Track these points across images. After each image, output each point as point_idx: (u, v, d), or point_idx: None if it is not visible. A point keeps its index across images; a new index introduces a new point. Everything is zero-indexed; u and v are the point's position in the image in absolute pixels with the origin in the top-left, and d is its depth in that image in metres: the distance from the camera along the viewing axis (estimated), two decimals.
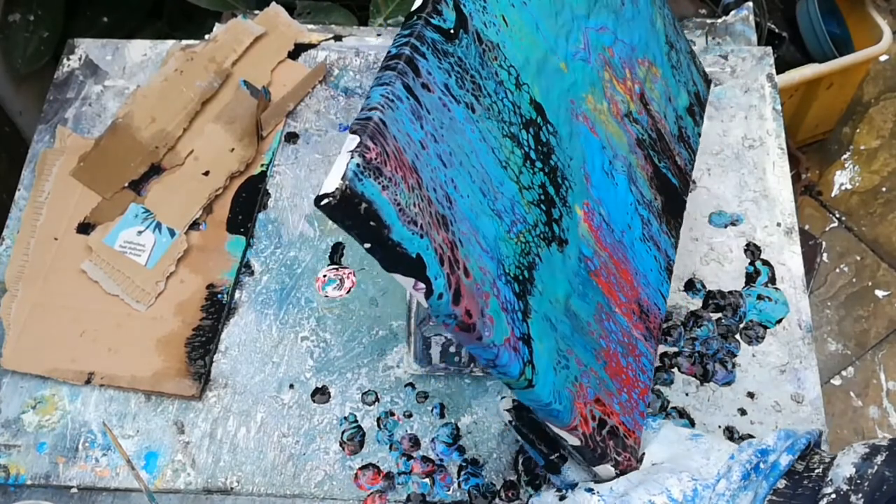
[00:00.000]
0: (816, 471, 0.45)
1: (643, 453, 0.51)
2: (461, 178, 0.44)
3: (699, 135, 0.65)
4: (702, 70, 0.68)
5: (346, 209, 0.37)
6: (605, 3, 0.57)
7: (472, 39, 0.47)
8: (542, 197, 0.49)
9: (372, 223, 0.38)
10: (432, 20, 0.45)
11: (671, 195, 0.60)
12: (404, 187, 0.40)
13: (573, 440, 0.48)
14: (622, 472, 0.49)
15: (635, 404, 0.52)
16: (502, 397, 0.54)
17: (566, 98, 0.53)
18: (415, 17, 0.45)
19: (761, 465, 0.45)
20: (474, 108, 0.46)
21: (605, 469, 0.49)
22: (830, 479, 0.43)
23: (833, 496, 0.42)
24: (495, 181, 0.46)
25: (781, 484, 0.45)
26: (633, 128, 0.58)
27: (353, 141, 0.38)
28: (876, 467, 0.42)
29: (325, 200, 0.37)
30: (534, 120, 0.50)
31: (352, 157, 0.38)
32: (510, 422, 0.53)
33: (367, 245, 0.39)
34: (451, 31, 0.46)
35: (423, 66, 0.43)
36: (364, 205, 0.37)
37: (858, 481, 0.42)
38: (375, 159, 0.39)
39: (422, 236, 0.40)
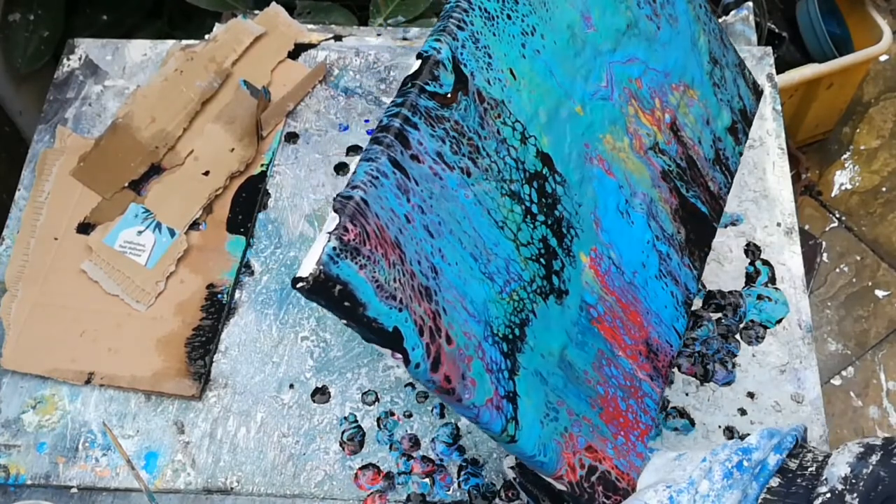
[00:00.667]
0: (810, 469, 0.45)
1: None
2: (450, 246, 0.44)
3: (741, 154, 0.62)
4: (751, 81, 0.65)
5: (320, 292, 0.38)
6: (636, 32, 0.56)
7: (473, 100, 0.46)
8: (542, 251, 0.49)
9: (346, 303, 0.39)
10: (427, 87, 0.44)
11: (698, 224, 0.58)
12: (384, 264, 0.40)
13: (559, 486, 0.48)
14: None
15: (632, 446, 0.51)
16: (506, 455, 0.54)
17: (580, 143, 0.52)
18: (409, 84, 0.44)
19: (744, 463, 0.45)
20: (470, 171, 0.46)
21: None
22: (825, 479, 0.43)
23: (828, 495, 0.42)
24: (489, 243, 0.46)
25: (775, 482, 0.45)
26: (659, 160, 0.56)
27: (332, 221, 0.39)
28: (871, 467, 0.42)
29: (300, 284, 0.38)
30: (539, 172, 0.49)
31: (328, 241, 0.38)
32: (514, 479, 0.54)
33: (344, 321, 0.40)
34: (448, 95, 0.45)
35: (414, 136, 0.43)
36: (338, 286, 0.38)
37: (854, 481, 0.42)
38: (354, 240, 0.39)
39: (400, 310, 0.40)
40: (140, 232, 0.70)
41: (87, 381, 0.65)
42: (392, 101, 0.44)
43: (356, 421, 0.63)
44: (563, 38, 0.52)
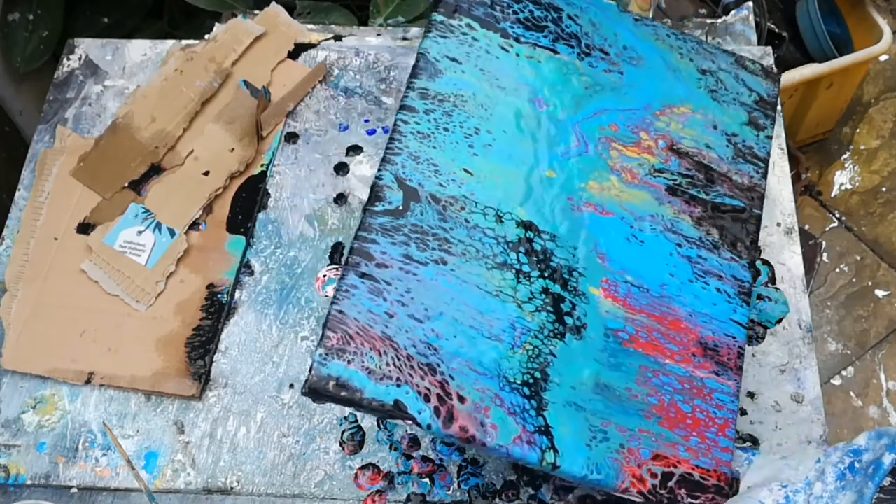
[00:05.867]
0: None
1: (738, 483, 0.52)
2: (444, 325, 0.51)
3: (769, 137, 0.64)
4: (758, 70, 0.66)
5: (319, 390, 0.48)
6: (598, 89, 0.62)
7: (427, 203, 0.54)
8: (547, 300, 0.54)
9: (344, 393, 0.48)
10: (376, 208, 0.53)
11: (735, 218, 0.60)
12: (373, 355, 0.49)
13: (634, 499, 0.52)
14: None
15: (713, 444, 0.53)
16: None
17: (561, 199, 0.57)
18: (364, 211, 0.53)
19: (856, 465, 0.45)
20: (445, 261, 0.53)
21: None
22: None
23: None
24: (486, 313, 0.52)
25: (887, 482, 0.45)
26: (659, 180, 0.60)
27: (321, 334, 0.49)
28: None
29: (303, 391, 0.48)
30: (523, 238, 0.55)
31: (316, 350, 0.49)
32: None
33: (350, 409, 0.50)
34: (400, 208, 0.54)
35: (376, 249, 0.52)
36: (332, 381, 0.48)
37: None
38: (336, 344, 0.49)
39: (399, 385, 0.49)
40: (140, 232, 0.70)
41: (87, 381, 0.65)
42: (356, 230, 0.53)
43: (356, 421, 0.63)
44: (513, 126, 0.58)
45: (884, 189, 1.49)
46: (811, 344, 0.66)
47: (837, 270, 1.42)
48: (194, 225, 0.71)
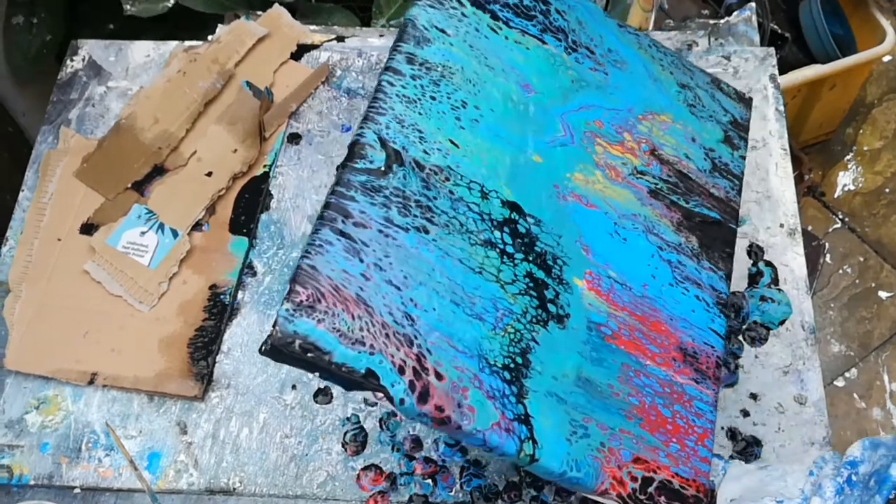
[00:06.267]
0: None
1: (715, 495, 0.51)
2: (423, 296, 0.48)
3: (743, 157, 0.64)
4: (732, 93, 0.67)
5: (282, 348, 0.43)
6: (584, 84, 0.61)
7: (410, 169, 0.51)
8: (530, 284, 0.52)
9: (310, 354, 0.43)
10: (357, 165, 0.50)
11: (712, 229, 0.60)
12: (346, 316, 0.45)
13: (611, 501, 0.49)
14: None
15: (692, 452, 0.52)
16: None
17: (547, 185, 0.56)
18: (340, 166, 0.50)
19: (853, 478, 0.44)
20: (427, 229, 0.50)
21: None
22: None
23: None
24: (468, 289, 0.50)
25: (893, 495, 0.44)
26: (642, 182, 0.59)
27: (287, 289, 0.45)
28: None
29: (263, 348, 0.43)
30: (508, 218, 0.53)
31: (281, 305, 0.44)
32: None
33: (317, 373, 0.45)
34: (382, 169, 0.51)
35: (354, 207, 0.49)
36: (298, 340, 0.43)
37: None
38: (306, 301, 0.45)
39: (371, 353, 0.45)
40: (143, 233, 0.70)
41: (91, 382, 0.65)
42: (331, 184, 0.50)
43: (359, 422, 0.63)
44: (500, 105, 0.57)
45: (887, 190, 1.49)
46: (814, 345, 0.66)
47: (840, 272, 1.42)
48: (197, 226, 0.71)
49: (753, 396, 0.64)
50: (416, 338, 0.47)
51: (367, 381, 0.44)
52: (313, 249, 0.46)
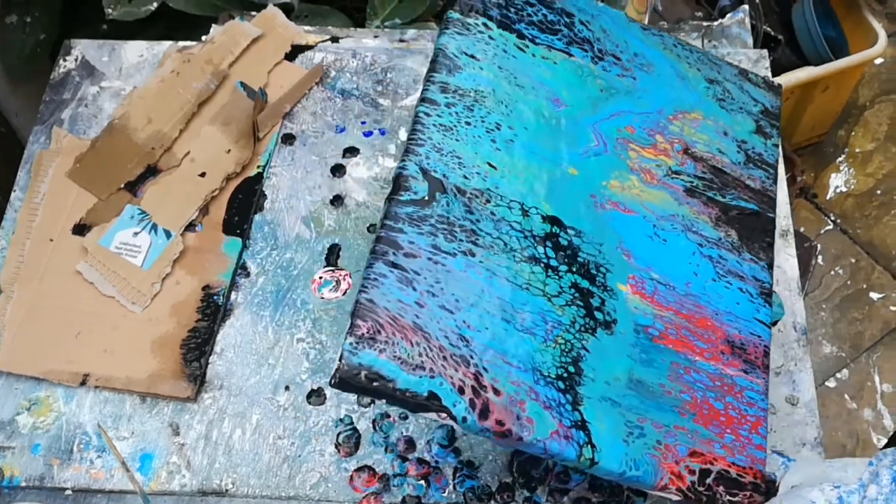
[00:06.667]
0: None
1: (778, 483, 0.52)
2: (475, 317, 0.51)
3: (776, 146, 0.65)
4: (761, 82, 0.68)
5: (350, 380, 0.46)
6: (613, 92, 0.62)
7: (452, 195, 0.54)
8: (576, 295, 0.54)
9: (376, 383, 0.47)
10: (402, 198, 0.53)
11: (750, 221, 0.61)
12: (405, 344, 0.48)
13: (672, 497, 0.51)
14: None
15: (747, 440, 0.53)
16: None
17: (584, 196, 0.58)
18: (387, 201, 0.52)
19: None
20: (473, 252, 0.53)
21: None
22: None
23: None
24: (517, 305, 0.52)
25: None
26: (677, 181, 0.61)
27: (349, 323, 0.48)
28: None
29: (332, 381, 0.47)
30: (550, 233, 0.55)
31: (345, 339, 0.47)
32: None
33: (384, 400, 0.48)
34: (426, 199, 0.53)
35: (403, 239, 0.51)
36: (363, 371, 0.47)
37: None
38: (367, 333, 0.48)
39: (432, 377, 0.48)
40: (136, 233, 0.70)
41: (82, 383, 0.65)
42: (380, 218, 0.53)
43: (352, 423, 0.63)
44: (533, 123, 0.59)
45: (878, 192, 1.49)
46: (806, 346, 0.66)
47: (832, 273, 1.42)
48: (190, 226, 0.71)
49: None
50: (471, 357, 0.49)
51: (430, 403, 0.47)
52: (369, 283, 0.49)
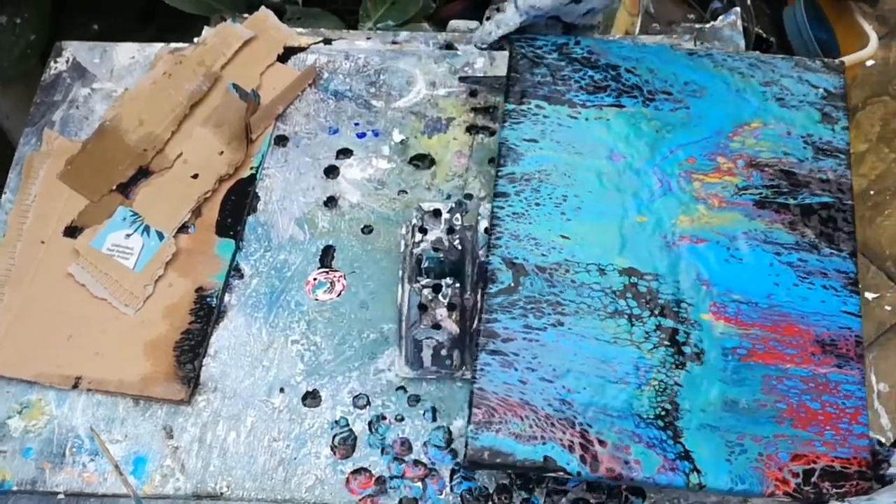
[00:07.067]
0: None
1: (880, 464, 0.55)
2: (573, 380, 0.56)
3: (845, 128, 0.65)
4: (819, 67, 0.68)
5: (477, 462, 0.54)
6: (669, 127, 0.65)
7: (534, 275, 0.59)
8: (662, 336, 0.58)
9: (498, 459, 0.54)
10: (491, 290, 0.59)
11: (826, 213, 0.62)
12: (516, 420, 0.55)
13: (782, 500, 0.54)
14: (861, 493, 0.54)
15: (847, 432, 0.56)
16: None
17: (656, 239, 0.61)
18: (482, 296, 0.59)
19: None
20: (561, 322, 0.58)
21: None
22: None
23: None
24: (610, 360, 0.57)
25: None
26: (746, 197, 0.63)
27: (468, 412, 0.56)
28: None
29: (463, 463, 0.55)
30: (628, 284, 0.59)
31: (467, 426, 0.55)
32: None
33: (508, 471, 0.56)
34: (512, 285, 0.59)
35: (499, 327, 0.58)
36: (486, 452, 0.54)
37: None
38: (482, 419, 0.55)
39: (544, 443, 0.54)
40: (128, 235, 0.70)
41: (75, 386, 0.64)
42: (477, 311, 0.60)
43: (347, 425, 0.63)
44: (596, 185, 0.63)
45: (872, 192, 1.50)
46: None
47: None
48: (183, 228, 0.71)
49: None
50: (575, 418, 0.55)
51: (546, 466, 0.54)
52: (478, 374, 0.56)
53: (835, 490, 0.54)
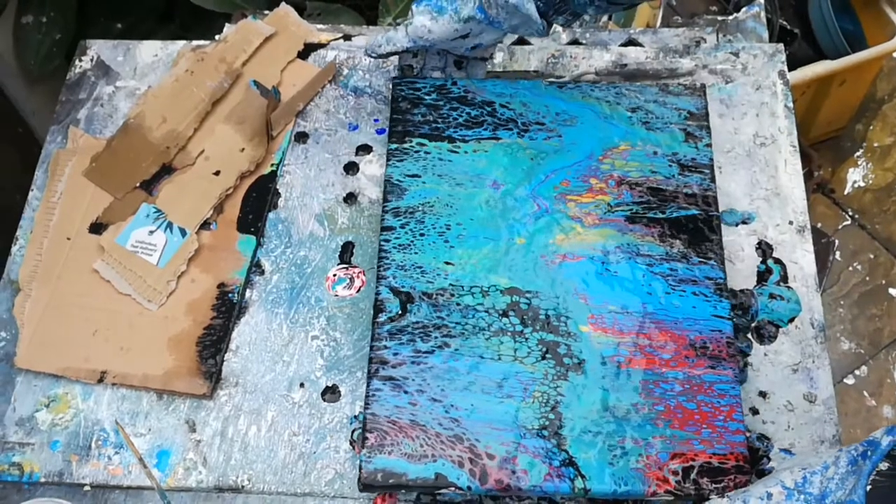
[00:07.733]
0: None
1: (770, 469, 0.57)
2: (459, 399, 0.59)
3: (708, 145, 0.69)
4: (681, 91, 0.72)
5: (371, 483, 0.57)
6: (543, 156, 0.68)
7: (421, 302, 0.62)
8: (544, 350, 0.61)
9: (391, 480, 0.56)
10: (380, 319, 0.62)
11: (693, 225, 0.65)
12: (407, 441, 0.57)
13: (664, 498, 0.56)
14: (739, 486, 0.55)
15: (723, 429, 0.58)
16: None
17: (534, 259, 0.64)
18: (372, 325, 0.62)
19: (868, 453, 0.48)
20: (448, 344, 0.61)
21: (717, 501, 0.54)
22: None
23: None
24: (495, 376, 0.60)
25: (884, 466, 0.48)
26: (618, 214, 0.66)
27: (362, 437, 0.58)
28: None
29: (359, 487, 0.57)
30: (510, 303, 0.62)
31: (361, 452, 0.58)
32: None
33: (403, 490, 0.58)
34: (399, 313, 0.62)
35: (388, 353, 0.61)
36: (380, 474, 0.57)
37: None
38: (375, 442, 0.57)
39: (435, 460, 0.57)
40: (151, 232, 0.71)
41: (100, 380, 0.66)
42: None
43: None
44: (478, 212, 0.66)
45: None
46: (824, 343, 0.65)
47: (850, 269, 1.41)
48: (205, 225, 0.71)
49: (763, 394, 0.63)
50: (464, 434, 0.58)
51: (437, 483, 0.56)
52: (370, 399, 0.59)
53: (714, 485, 0.56)
